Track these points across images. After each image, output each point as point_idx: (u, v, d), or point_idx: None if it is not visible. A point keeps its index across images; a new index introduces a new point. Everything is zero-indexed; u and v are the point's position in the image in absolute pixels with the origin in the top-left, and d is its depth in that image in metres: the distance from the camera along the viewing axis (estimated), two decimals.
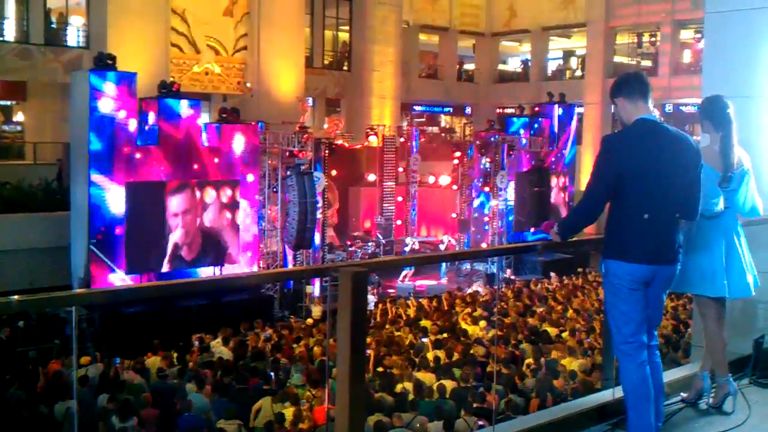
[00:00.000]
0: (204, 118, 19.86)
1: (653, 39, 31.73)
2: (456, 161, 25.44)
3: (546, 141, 24.74)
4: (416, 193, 24.87)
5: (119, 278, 15.95)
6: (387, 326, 14.61)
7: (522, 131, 24.50)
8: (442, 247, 24.19)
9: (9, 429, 9.54)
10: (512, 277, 22.17)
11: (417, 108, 36.31)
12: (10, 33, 22.55)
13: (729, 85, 5.57)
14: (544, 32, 34.93)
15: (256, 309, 16.71)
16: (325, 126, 27.74)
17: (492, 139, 23.84)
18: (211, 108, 25.42)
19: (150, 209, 16.46)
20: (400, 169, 24.47)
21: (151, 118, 16.55)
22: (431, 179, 26.39)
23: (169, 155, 16.64)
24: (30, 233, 17.32)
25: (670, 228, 3.99)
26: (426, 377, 10.37)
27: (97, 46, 20.39)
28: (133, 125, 16.02)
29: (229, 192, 17.70)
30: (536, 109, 25.53)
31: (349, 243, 23.05)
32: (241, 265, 17.95)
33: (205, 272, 17.34)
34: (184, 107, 16.80)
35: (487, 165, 24.16)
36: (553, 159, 25.09)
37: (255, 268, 18.36)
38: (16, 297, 2.79)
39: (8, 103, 26.84)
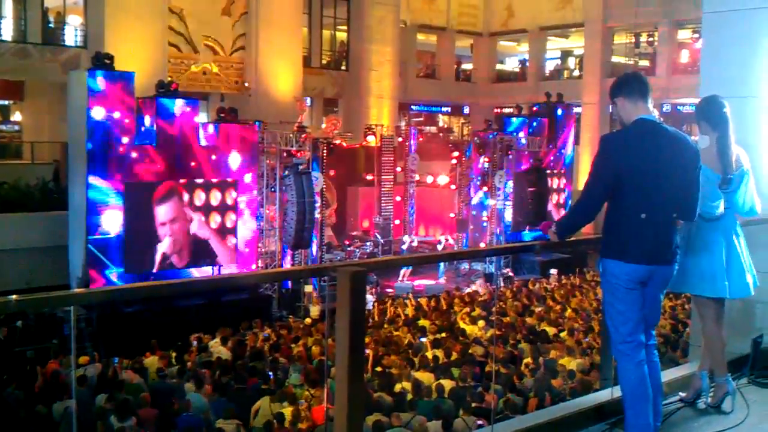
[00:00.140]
0: (202, 118, 19.85)
1: (651, 39, 31.77)
2: (454, 161, 25.45)
3: (544, 141, 24.76)
4: (414, 192, 24.86)
5: (116, 277, 15.94)
6: (385, 326, 14.61)
7: (521, 132, 24.49)
8: (439, 247, 24.19)
9: (7, 429, 9.52)
10: (510, 275, 22.19)
11: (415, 108, 36.30)
12: (8, 32, 22.52)
13: (727, 85, 5.57)
14: (541, 32, 34.95)
15: (254, 309, 16.71)
16: (323, 126, 27.67)
17: (490, 137, 23.86)
18: (209, 108, 25.40)
19: (148, 209, 16.43)
20: (399, 169, 24.46)
21: (149, 118, 16.53)
22: (429, 179, 26.38)
23: (166, 155, 16.61)
24: (28, 233, 17.31)
25: (668, 228, 3.99)
26: (425, 377, 10.37)
27: (95, 46, 20.37)
28: (130, 125, 16.00)
29: (228, 193, 17.67)
30: (534, 109, 25.54)
31: (347, 243, 23.04)
32: (239, 265, 17.94)
33: (204, 272, 17.33)
34: (181, 107, 16.78)
35: (486, 165, 24.18)
36: (551, 159, 25.11)
37: (254, 268, 18.35)
38: (14, 296, 2.78)
39: (6, 102, 26.84)
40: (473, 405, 8.98)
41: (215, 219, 17.47)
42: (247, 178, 18.07)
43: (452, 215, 25.55)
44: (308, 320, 16.19)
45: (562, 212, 23.46)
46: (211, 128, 17.65)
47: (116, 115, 15.71)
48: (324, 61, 30.14)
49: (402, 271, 21.75)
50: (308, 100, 28.90)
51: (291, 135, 19.52)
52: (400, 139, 24.72)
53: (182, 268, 16.88)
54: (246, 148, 18.01)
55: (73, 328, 13.34)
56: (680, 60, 31.37)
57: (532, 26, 34.70)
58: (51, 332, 14.25)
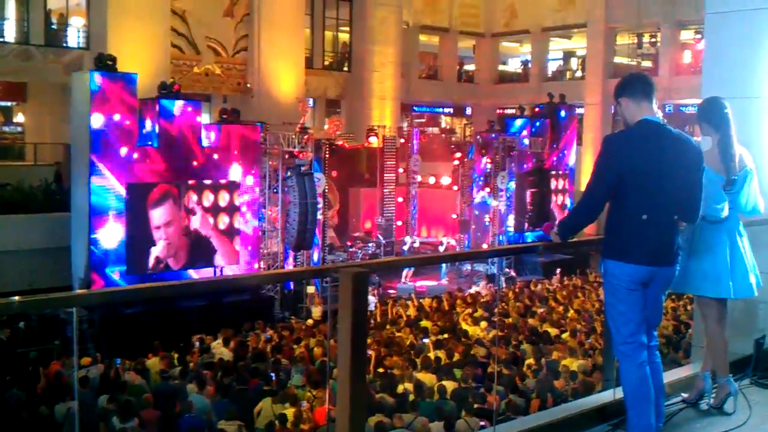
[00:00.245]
0: (204, 119, 19.87)
1: (653, 40, 31.73)
2: (456, 162, 25.44)
3: (546, 141, 24.74)
4: (417, 193, 24.85)
5: (119, 276, 15.95)
6: (388, 327, 14.61)
7: (524, 133, 24.48)
8: (441, 248, 24.18)
9: (9, 430, 9.53)
10: (513, 275, 22.17)
11: (417, 109, 36.31)
12: (11, 34, 22.56)
13: (729, 86, 5.56)
14: (544, 33, 34.91)
15: (256, 310, 16.69)
16: (326, 127, 27.70)
17: (493, 138, 23.85)
18: (211, 109, 25.45)
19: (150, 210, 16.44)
20: (401, 170, 24.45)
21: (150, 119, 16.54)
22: (432, 180, 26.37)
23: (169, 156, 16.62)
24: (30, 234, 17.33)
25: (670, 229, 3.98)
26: (427, 378, 10.37)
27: (98, 47, 20.39)
28: (132, 126, 16.01)
29: (229, 194, 17.67)
30: (536, 109, 25.52)
31: (349, 244, 23.04)
32: (241, 266, 17.95)
33: (206, 273, 17.33)
34: (182, 108, 16.79)
35: (488, 166, 24.17)
36: (554, 159, 25.10)
37: (256, 269, 18.36)
38: (16, 298, 2.79)
39: (8, 104, 26.89)
40: (475, 406, 8.98)
41: (216, 220, 17.46)
42: (249, 179, 18.08)
43: (454, 216, 25.53)
44: (310, 321, 16.21)
45: (565, 213, 23.42)
46: (213, 130, 17.66)
47: (118, 116, 15.73)
48: (326, 62, 30.15)
49: (404, 272, 21.75)
50: (310, 101, 28.93)
51: (293, 136, 19.52)
52: (402, 140, 24.70)
53: (179, 270, 16.85)
54: (248, 149, 18.02)
55: (75, 330, 13.36)
56: (683, 61, 31.34)
57: (534, 27, 34.66)
58: (53, 333, 14.25)
